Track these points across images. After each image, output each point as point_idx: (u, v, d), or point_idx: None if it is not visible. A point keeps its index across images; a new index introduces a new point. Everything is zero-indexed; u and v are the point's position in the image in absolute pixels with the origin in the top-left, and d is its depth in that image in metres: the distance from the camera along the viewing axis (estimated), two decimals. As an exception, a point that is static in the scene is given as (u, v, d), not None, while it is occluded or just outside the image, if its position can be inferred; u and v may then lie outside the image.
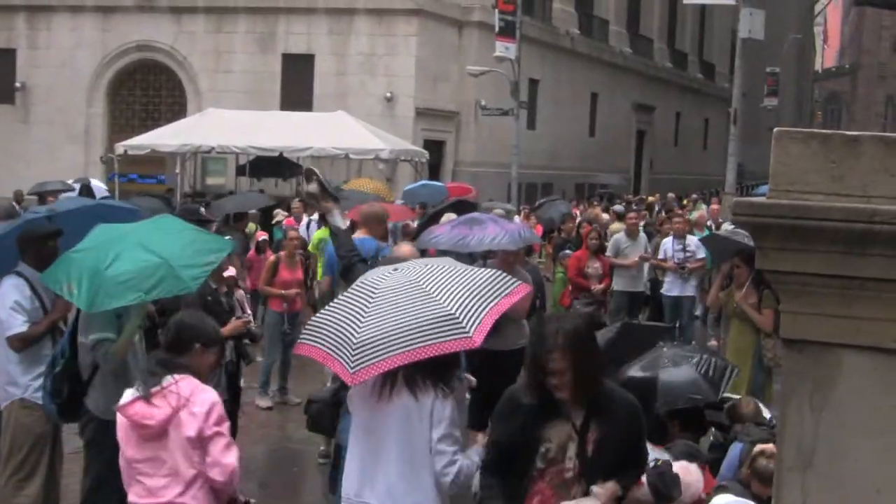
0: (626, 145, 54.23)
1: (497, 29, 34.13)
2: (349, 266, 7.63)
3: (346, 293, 5.63)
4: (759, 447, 6.93)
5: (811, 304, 3.42)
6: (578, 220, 24.15)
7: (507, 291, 5.34)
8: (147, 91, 38.62)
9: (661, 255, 17.32)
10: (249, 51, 36.64)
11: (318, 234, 16.79)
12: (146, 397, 5.40)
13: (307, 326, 5.58)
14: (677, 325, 16.84)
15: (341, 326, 5.26)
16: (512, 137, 35.67)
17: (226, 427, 5.47)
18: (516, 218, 26.04)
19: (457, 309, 5.09)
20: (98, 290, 6.69)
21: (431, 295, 5.24)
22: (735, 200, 3.52)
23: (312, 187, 7.81)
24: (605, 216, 22.99)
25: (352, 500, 5.46)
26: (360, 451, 5.45)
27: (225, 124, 28.98)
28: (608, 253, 17.00)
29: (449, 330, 5.02)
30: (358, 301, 5.38)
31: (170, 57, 37.56)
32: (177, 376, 5.45)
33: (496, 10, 34.41)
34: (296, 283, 13.32)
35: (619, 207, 25.20)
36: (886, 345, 3.38)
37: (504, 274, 5.66)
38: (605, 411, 5.04)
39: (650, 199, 36.29)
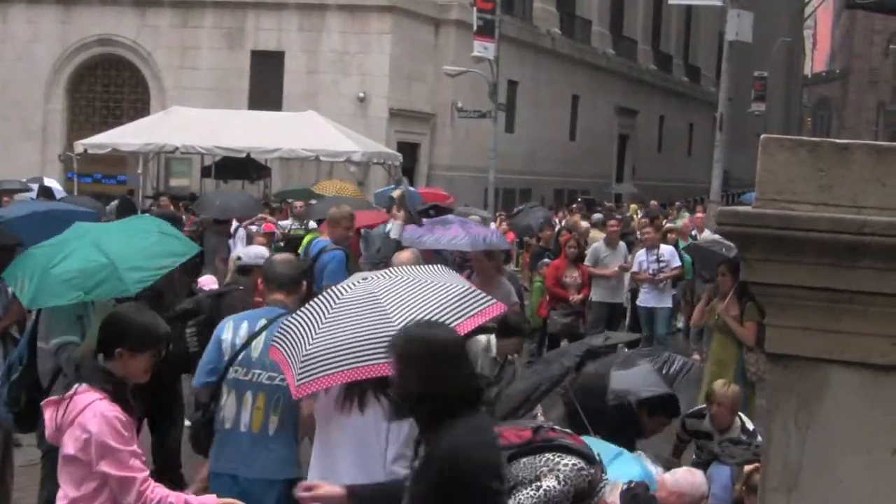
0: (607, 150, 54.34)
1: (475, 28, 34.13)
2: None
3: (315, 299, 5.64)
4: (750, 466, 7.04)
5: (798, 318, 3.43)
6: (558, 227, 24.18)
7: (473, 311, 5.24)
8: (108, 87, 38.45)
9: (634, 268, 17.44)
10: (216, 47, 36.56)
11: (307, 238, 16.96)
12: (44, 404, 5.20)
13: (280, 327, 5.60)
14: (653, 336, 16.94)
15: (299, 334, 5.31)
16: (489, 141, 35.68)
17: (113, 461, 4.97)
18: (492, 224, 26.04)
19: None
20: (41, 287, 6.72)
21: (387, 313, 5.19)
22: (719, 209, 3.53)
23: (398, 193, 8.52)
24: (585, 224, 23.03)
25: None
26: (321, 467, 5.49)
27: (190, 123, 28.90)
28: (587, 262, 17.04)
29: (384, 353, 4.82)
30: (320, 309, 5.41)
31: (133, 52, 37.42)
32: (81, 386, 5.08)
33: (474, 8, 34.42)
34: None
35: (597, 216, 25.27)
36: (875, 360, 3.39)
37: (478, 292, 5.60)
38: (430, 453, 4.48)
39: (632, 206, 36.39)
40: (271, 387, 6.26)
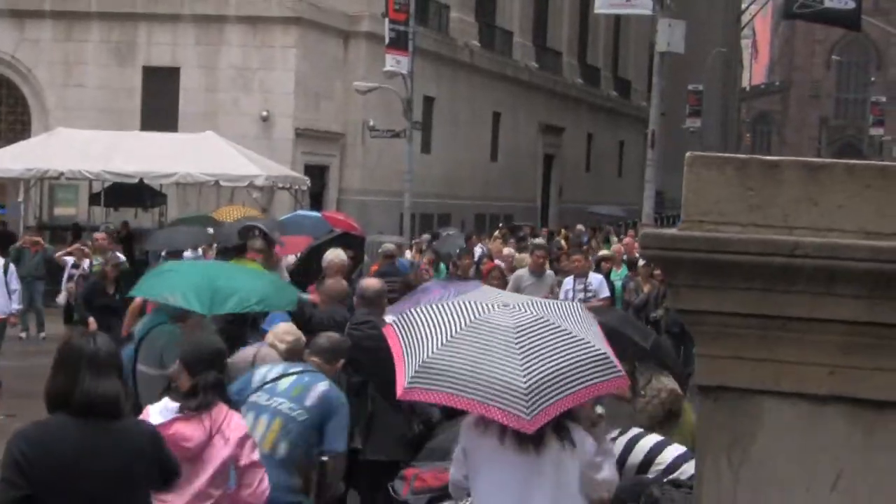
0: (532, 171, 54.66)
1: (387, 40, 34.22)
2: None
3: (452, 304, 5.90)
4: None
5: (729, 347, 3.48)
6: (479, 254, 24.24)
7: (598, 381, 5.57)
8: (-16, 107, 37.97)
9: (560, 296, 17.49)
10: (104, 62, 36.23)
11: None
12: (185, 418, 6.39)
13: (405, 314, 5.93)
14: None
15: (424, 332, 5.61)
16: (404, 162, 35.74)
17: (256, 454, 6.56)
18: (407, 253, 26.03)
19: (529, 388, 5.34)
20: (214, 296, 8.65)
21: (576, 336, 5.63)
22: (642, 233, 3.57)
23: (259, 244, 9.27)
24: (508, 250, 23.07)
25: None
26: None
27: (76, 146, 28.59)
28: (509, 290, 17.07)
29: (607, 370, 5.49)
30: (455, 317, 5.70)
31: (11, 68, 36.95)
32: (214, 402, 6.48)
33: (386, 20, 34.52)
34: None
35: (538, 240, 25.30)
36: (812, 390, 3.44)
37: (608, 359, 5.74)
38: None
39: (563, 232, 36.57)
40: (289, 416, 7.31)
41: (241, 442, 6.47)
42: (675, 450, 6.41)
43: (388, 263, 18.03)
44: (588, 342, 5.55)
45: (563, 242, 29.88)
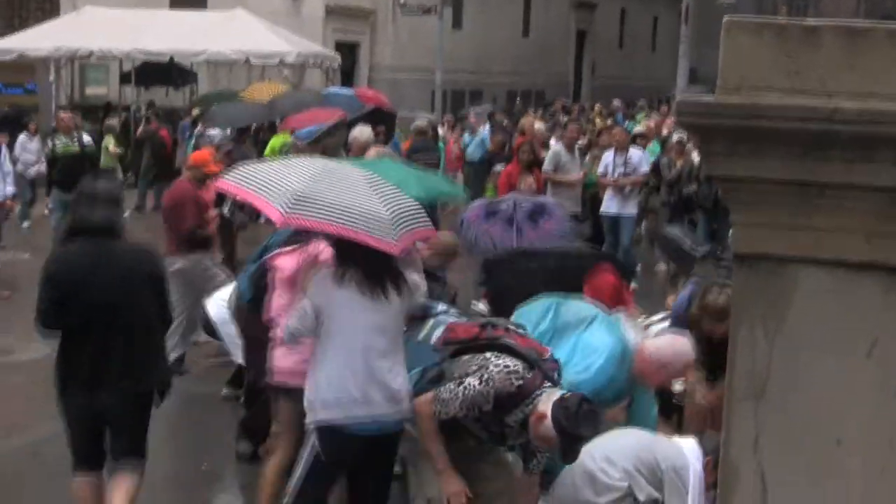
0: (564, 47, 54.17)
1: (418, -87, 33.84)
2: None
3: (286, 160, 7.07)
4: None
5: (765, 215, 3.45)
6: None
7: (424, 225, 6.59)
8: (12, -14, 37.79)
9: (599, 170, 17.43)
10: (132, -61, 35.92)
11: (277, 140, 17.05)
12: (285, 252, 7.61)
13: (241, 169, 6.60)
14: (617, 245, 16.96)
15: (280, 176, 6.34)
16: (435, 39, 35.47)
17: None
18: (439, 130, 25.93)
19: (392, 219, 6.25)
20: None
21: (374, 196, 6.43)
22: (678, 100, 3.52)
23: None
24: (540, 125, 22.86)
25: (355, 397, 6.23)
26: (363, 351, 6.29)
27: (106, 25, 28.45)
28: (546, 167, 17.04)
29: (382, 231, 6.15)
30: (305, 166, 6.60)
31: (39, -53, 36.75)
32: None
33: None
34: None
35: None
36: (849, 258, 3.41)
37: (420, 209, 6.72)
38: None
39: (597, 107, 36.29)
40: None
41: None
42: None
43: (420, 139, 17.99)
44: (387, 208, 6.30)
45: (596, 119, 29.69)
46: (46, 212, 18.65)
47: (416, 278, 7.64)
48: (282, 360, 7.29)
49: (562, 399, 5.90)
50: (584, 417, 5.84)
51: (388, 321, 6.35)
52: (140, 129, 26.55)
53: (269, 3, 34.00)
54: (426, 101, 35.18)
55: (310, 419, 6.41)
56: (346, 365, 6.27)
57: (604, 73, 56.67)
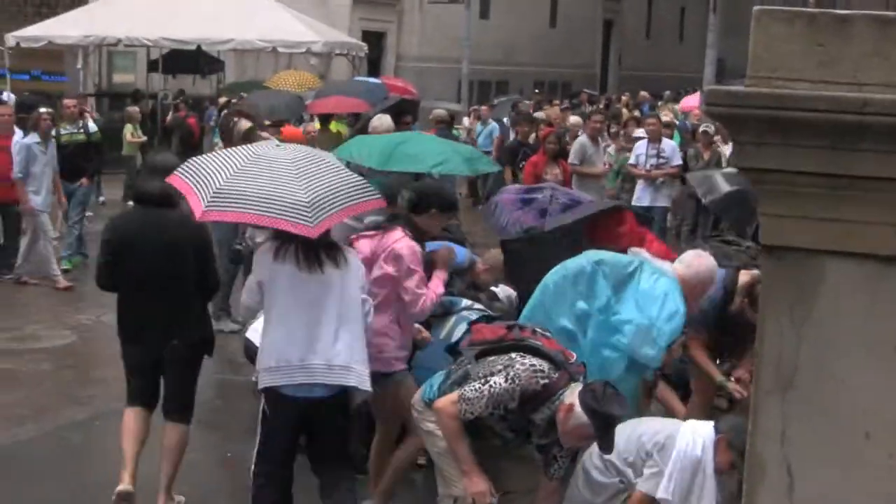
0: (591, 37, 54.03)
1: None
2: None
3: (228, 151, 7.24)
4: (749, 273, 7.39)
5: (793, 206, 3.43)
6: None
7: (359, 201, 6.82)
8: (41, -26, 37.85)
9: (631, 160, 17.33)
10: (160, -73, 35.94)
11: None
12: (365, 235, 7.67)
13: (188, 163, 6.95)
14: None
15: (212, 171, 6.67)
16: (462, 28, 35.42)
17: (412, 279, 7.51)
18: (465, 120, 25.94)
19: (311, 202, 6.49)
20: (390, 156, 9.22)
21: (340, 167, 7.09)
22: (708, 89, 3.50)
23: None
24: (574, 118, 22.76)
25: (294, 364, 6.56)
26: (303, 321, 6.61)
27: (134, 12, 28.45)
28: (572, 160, 16.98)
29: (298, 216, 6.41)
30: (237, 159, 6.81)
31: (68, -65, 36.81)
32: (392, 227, 7.53)
33: None
34: None
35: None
36: (878, 251, 3.39)
37: (367, 184, 7.10)
38: None
39: (623, 98, 36.17)
40: None
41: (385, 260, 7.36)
42: None
43: (441, 128, 18.00)
44: (307, 192, 6.53)
45: (623, 110, 29.59)
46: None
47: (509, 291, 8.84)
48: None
49: (586, 386, 5.95)
50: (612, 398, 5.92)
51: (326, 293, 6.64)
52: (169, 117, 26.66)
53: (296, -8, 34.02)
54: (452, 92, 35.14)
55: (259, 385, 6.80)
56: (287, 334, 6.62)
57: (631, 63, 56.51)
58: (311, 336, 6.60)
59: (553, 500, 6.60)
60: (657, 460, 6.46)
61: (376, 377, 6.94)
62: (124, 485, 7.47)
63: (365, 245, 7.47)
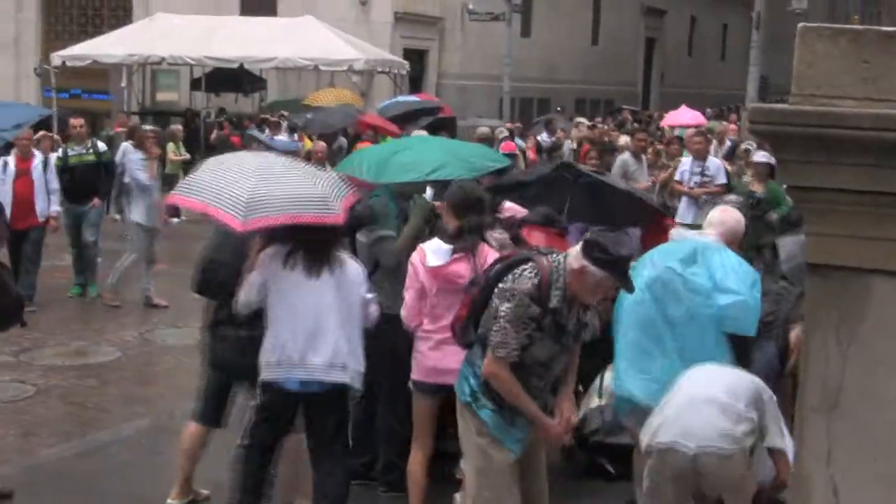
0: (633, 55, 53.95)
1: (487, -79, 33.83)
2: None
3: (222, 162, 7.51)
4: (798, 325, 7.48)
5: (839, 225, 3.41)
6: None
7: (311, 212, 6.95)
8: (86, -7, 38.16)
9: (676, 177, 17.24)
10: (204, -53, 36.22)
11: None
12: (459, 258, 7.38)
13: (188, 181, 7.31)
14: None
15: (224, 186, 6.91)
16: (503, 46, 35.45)
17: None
18: (519, 141, 25.90)
19: (330, 195, 6.98)
20: (384, 167, 9.00)
21: (308, 179, 7.21)
22: (751, 107, 3.49)
23: None
24: (625, 139, 22.64)
25: (296, 363, 6.94)
26: (307, 323, 6.99)
27: (177, 31, 28.71)
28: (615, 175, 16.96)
29: (325, 207, 6.88)
30: (239, 169, 7.13)
31: (113, -46, 37.12)
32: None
33: None
34: None
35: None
36: (923, 270, 3.37)
37: (326, 200, 7.11)
38: None
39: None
40: None
41: None
42: None
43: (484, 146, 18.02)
44: (316, 186, 7.01)
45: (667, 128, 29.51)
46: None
47: None
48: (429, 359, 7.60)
49: (586, 242, 6.11)
50: (614, 242, 6.07)
51: (328, 296, 7.03)
52: (213, 135, 26.84)
53: (337, 10, 34.14)
54: (494, 109, 35.14)
55: (260, 378, 7.10)
56: (291, 334, 7.00)
57: (673, 80, 56.37)
58: (313, 337, 6.99)
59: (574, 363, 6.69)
60: (774, 407, 6.41)
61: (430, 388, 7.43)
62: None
63: (462, 267, 7.36)
